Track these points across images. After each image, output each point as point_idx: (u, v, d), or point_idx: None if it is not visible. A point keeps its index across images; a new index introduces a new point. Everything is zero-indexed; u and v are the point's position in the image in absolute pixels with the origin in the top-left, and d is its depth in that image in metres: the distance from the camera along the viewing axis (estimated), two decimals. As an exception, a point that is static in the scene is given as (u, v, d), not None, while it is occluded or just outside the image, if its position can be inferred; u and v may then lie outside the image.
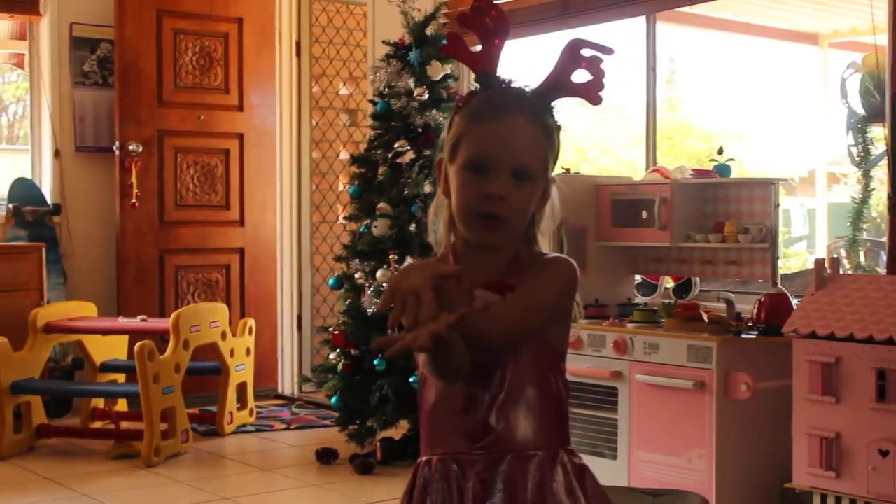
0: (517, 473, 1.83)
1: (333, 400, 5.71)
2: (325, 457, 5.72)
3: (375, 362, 5.51)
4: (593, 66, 1.98)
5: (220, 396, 6.40)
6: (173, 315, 5.92)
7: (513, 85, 1.94)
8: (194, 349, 6.00)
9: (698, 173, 5.08)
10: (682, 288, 5.42)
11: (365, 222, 5.68)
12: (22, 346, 5.94)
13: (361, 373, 5.60)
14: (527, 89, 1.93)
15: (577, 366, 4.96)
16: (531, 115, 1.87)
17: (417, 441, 5.57)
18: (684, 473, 4.57)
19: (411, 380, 5.42)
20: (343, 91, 7.72)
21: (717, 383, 4.49)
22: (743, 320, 4.68)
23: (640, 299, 5.44)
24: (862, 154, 5.11)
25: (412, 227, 5.54)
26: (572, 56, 1.96)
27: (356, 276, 5.65)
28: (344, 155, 7.57)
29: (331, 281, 5.90)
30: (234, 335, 6.47)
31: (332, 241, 7.53)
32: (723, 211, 5.06)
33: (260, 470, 5.63)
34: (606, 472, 4.82)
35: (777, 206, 4.89)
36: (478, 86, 1.96)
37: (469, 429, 1.86)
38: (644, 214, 5.11)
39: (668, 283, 5.48)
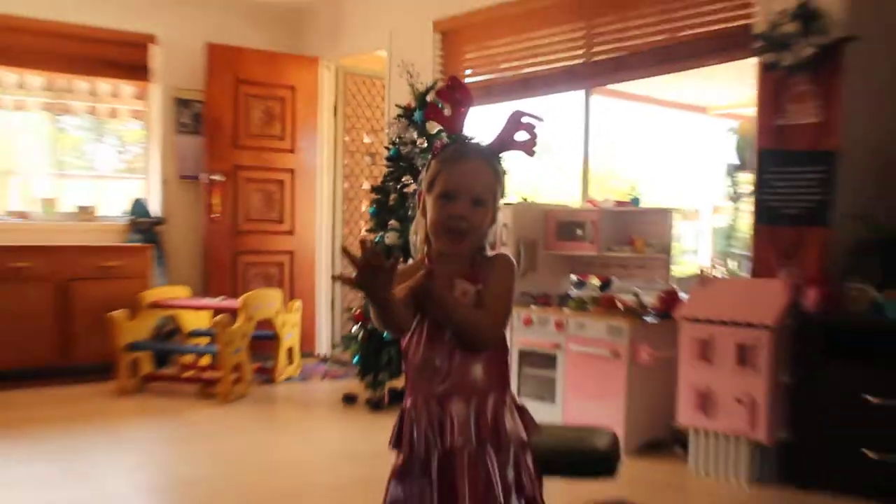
0: (479, 407, 1.86)
1: (355, 359, 5.76)
2: (349, 399, 5.77)
3: (384, 334, 5.56)
4: (529, 128, 2.01)
5: (274, 356, 6.46)
6: (241, 298, 5.97)
7: (474, 140, 1.98)
8: (257, 321, 6.05)
9: (618, 203, 5.13)
10: (605, 285, 5.46)
11: (380, 234, 5.73)
12: (135, 318, 5.99)
13: (374, 341, 5.65)
14: (483, 144, 1.97)
15: (529, 338, 5.04)
16: (486, 161, 1.92)
17: None
18: (603, 414, 4.63)
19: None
20: (366, 140, 7.76)
21: (627, 353, 4.56)
22: (647, 308, 4.73)
23: (574, 292, 5.49)
24: (734, 192, 5.16)
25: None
26: (514, 122, 2.00)
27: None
28: (365, 186, 7.61)
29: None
30: (285, 312, 6.51)
31: (355, 247, 7.54)
32: (634, 230, 5.11)
33: (301, 407, 5.67)
34: (547, 412, 4.91)
35: (671, 227, 4.95)
36: (448, 140, 2.00)
37: (441, 378, 1.86)
38: (579, 232, 5.17)
39: (595, 281, 5.52)
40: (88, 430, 4.85)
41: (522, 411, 1.94)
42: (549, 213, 5.33)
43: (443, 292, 1.80)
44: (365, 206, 7.57)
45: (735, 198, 5.13)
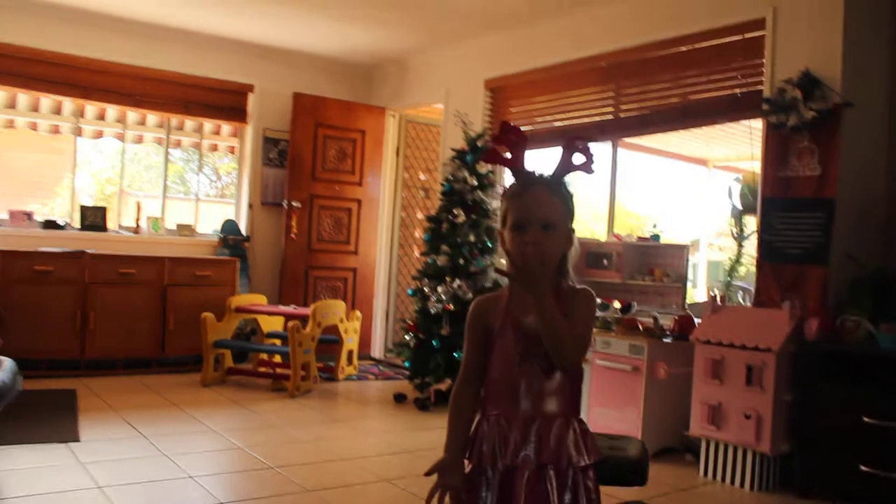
0: (544, 430, 1.70)
1: (406, 363, 5.62)
2: (399, 398, 5.62)
3: (433, 342, 5.41)
4: (585, 150, 1.84)
5: (337, 357, 6.33)
6: (312, 306, 5.85)
7: (535, 172, 1.81)
8: (324, 327, 5.93)
9: (640, 239, 4.95)
10: (626, 308, 5.27)
11: (432, 257, 5.61)
12: (221, 320, 5.89)
13: (424, 349, 5.50)
14: (545, 174, 1.81)
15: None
16: (549, 188, 1.74)
17: None
18: (622, 421, 4.45)
19: (455, 354, 5.32)
20: (422, 177, 7.66)
21: (645, 368, 4.37)
22: (664, 330, 4.53)
23: (599, 314, 5.30)
24: (738, 233, 4.97)
25: (461, 261, 5.45)
26: (570, 147, 1.83)
27: (425, 289, 5.57)
28: (419, 216, 7.49)
29: (409, 291, 5.81)
30: (347, 320, 6.39)
31: (409, 266, 7.46)
32: (654, 262, 4.93)
33: (357, 403, 5.52)
34: None
35: (687, 260, 4.76)
36: (513, 178, 1.84)
37: (522, 400, 1.71)
38: (605, 262, 5.00)
39: (617, 304, 5.34)
40: (176, 416, 4.73)
41: (586, 435, 1.75)
42: (582, 244, 5.14)
43: (547, 294, 1.63)
44: (418, 233, 7.45)
45: (738, 237, 4.91)
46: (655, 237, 4.90)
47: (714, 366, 4.02)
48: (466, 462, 1.75)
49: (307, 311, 5.92)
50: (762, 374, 3.83)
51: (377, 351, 7.47)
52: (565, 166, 1.82)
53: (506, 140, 1.88)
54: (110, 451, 3.84)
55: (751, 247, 4.83)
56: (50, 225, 6.04)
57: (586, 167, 1.86)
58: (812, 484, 3.74)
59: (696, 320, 4.50)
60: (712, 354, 4.03)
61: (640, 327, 4.61)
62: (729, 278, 4.80)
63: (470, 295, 5.39)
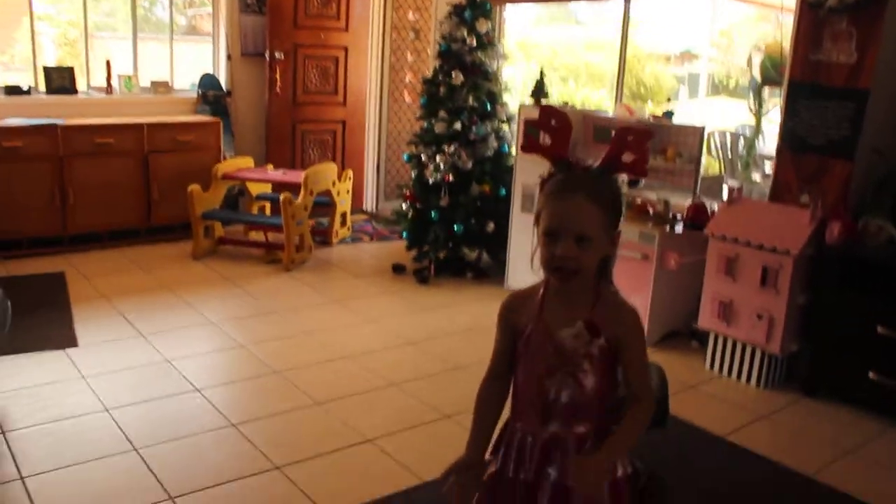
0: (570, 452, 1.64)
1: (404, 234, 5.55)
2: (398, 269, 5.59)
3: (432, 214, 5.32)
4: (637, 146, 1.68)
5: (330, 220, 6.25)
6: (303, 174, 5.67)
7: (579, 167, 1.64)
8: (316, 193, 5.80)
9: (654, 117, 4.73)
10: (633, 183, 5.14)
11: (430, 121, 5.38)
12: (207, 189, 5.71)
13: (422, 220, 5.43)
14: (588, 172, 1.63)
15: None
16: (590, 194, 1.57)
17: (457, 261, 5.41)
18: (627, 308, 4.45)
19: (454, 227, 5.25)
20: (411, 17, 7.17)
21: (656, 258, 4.32)
22: (675, 217, 4.44)
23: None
24: (757, 108, 4.76)
25: (460, 127, 5.24)
26: (620, 141, 1.67)
27: (422, 156, 5.39)
28: (409, 58, 7.10)
29: (405, 156, 5.63)
30: (339, 181, 6.23)
31: (400, 114, 7.19)
32: (667, 140, 4.75)
33: (355, 276, 5.48)
34: None
35: (702, 143, 4.58)
36: (554, 169, 1.67)
37: (542, 416, 1.65)
38: (613, 133, 4.79)
39: (624, 177, 5.19)
40: (171, 304, 4.69)
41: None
42: (587, 117, 4.94)
43: (614, 447, 1.58)
44: (409, 77, 7.10)
45: (757, 112, 4.71)
46: (669, 114, 4.69)
47: (728, 263, 3.98)
48: (490, 464, 1.72)
49: (298, 176, 5.75)
50: (778, 277, 3.80)
51: (370, 204, 7.37)
52: (612, 165, 1.66)
53: (545, 124, 1.72)
54: (110, 359, 3.82)
55: (769, 131, 4.64)
56: (13, 91, 5.65)
57: (636, 169, 1.70)
58: (818, 384, 3.84)
59: (709, 203, 4.41)
60: (727, 251, 3.98)
61: (651, 211, 4.52)
62: (747, 157, 4.64)
63: (470, 164, 5.24)
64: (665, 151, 4.65)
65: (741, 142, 5.64)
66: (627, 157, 1.68)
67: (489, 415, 1.73)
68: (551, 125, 1.72)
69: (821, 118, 3.95)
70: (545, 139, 1.73)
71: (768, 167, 4.97)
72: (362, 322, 4.57)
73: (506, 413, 1.76)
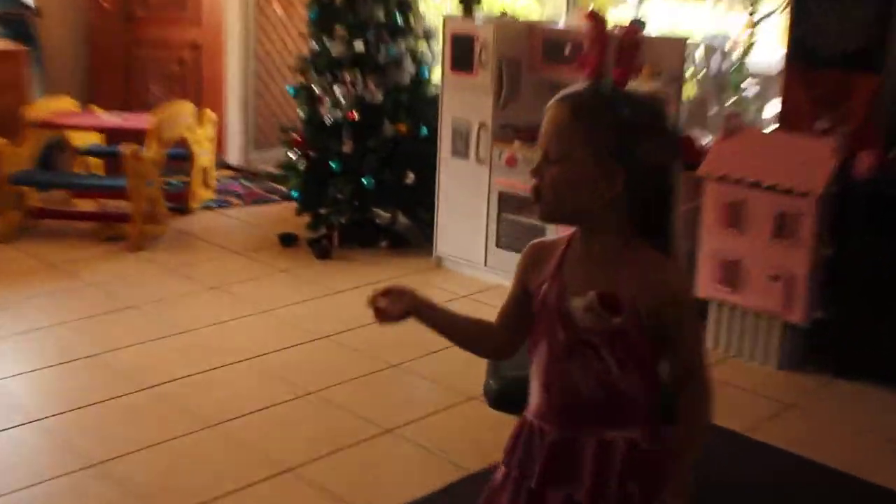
0: (590, 461, 1.65)
1: (295, 194, 5.44)
2: (287, 240, 5.48)
3: (333, 164, 5.21)
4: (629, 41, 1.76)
5: (188, 179, 6.06)
6: (154, 121, 5.43)
7: (593, 84, 1.71)
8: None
9: (620, 29, 4.70)
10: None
11: (322, 41, 5.26)
12: (17, 143, 5.39)
13: (318, 172, 5.32)
14: (587, 87, 1.67)
15: (513, 180, 4.78)
16: (574, 105, 1.59)
17: (367, 226, 5.36)
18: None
19: (364, 181, 5.17)
20: None
21: (635, 208, 4.34)
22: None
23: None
24: (752, 11, 4.84)
25: (364, 48, 5.13)
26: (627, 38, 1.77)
27: (314, 88, 5.26)
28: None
29: (290, 89, 5.50)
30: (198, 126, 6.03)
31: (270, 31, 7.00)
32: (640, 55, 4.74)
33: (233, 254, 5.33)
34: None
35: (684, 57, 4.60)
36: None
37: (558, 409, 1.68)
38: (567, 52, 4.77)
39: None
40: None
41: (658, 464, 1.67)
42: (533, 30, 4.89)
43: (685, 458, 1.66)
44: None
45: (752, 13, 4.77)
46: (639, 23, 4.68)
47: (731, 211, 4.03)
48: (497, 469, 1.77)
49: (144, 121, 5.52)
50: (797, 225, 3.87)
51: (235, 155, 7.19)
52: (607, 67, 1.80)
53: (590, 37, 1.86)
54: None
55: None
56: None
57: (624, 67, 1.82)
58: (851, 361, 3.94)
59: (702, 136, 4.45)
60: (729, 196, 4.02)
61: (625, 149, 4.53)
62: (735, 75, 4.69)
63: (380, 97, 5.15)
64: (639, 70, 4.66)
65: (716, 56, 5.73)
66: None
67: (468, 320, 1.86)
68: (597, 35, 1.73)
69: (838, 21, 4.02)
70: (590, 51, 1.71)
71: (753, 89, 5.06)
72: (252, 314, 4.45)
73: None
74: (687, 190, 4.41)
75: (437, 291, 4.91)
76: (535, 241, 1.76)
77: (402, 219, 5.63)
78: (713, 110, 5.03)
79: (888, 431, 3.53)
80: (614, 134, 1.57)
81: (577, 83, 1.66)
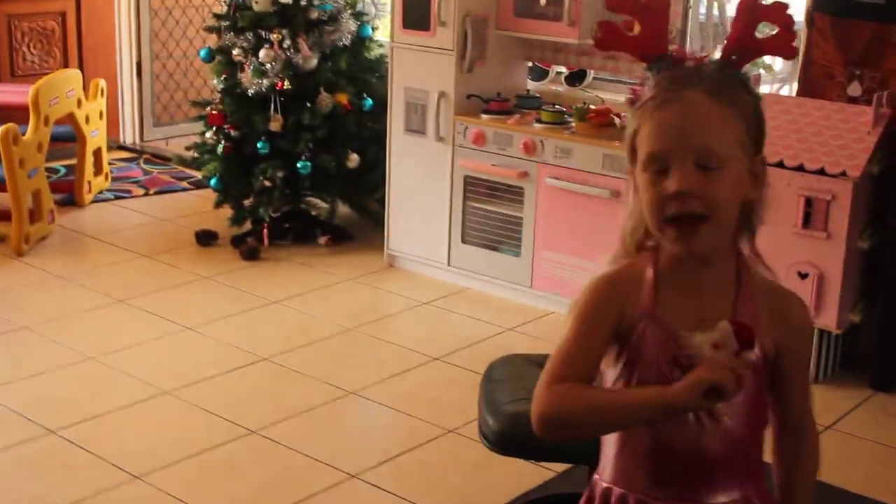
0: None
1: (213, 182, 5.33)
2: (205, 239, 5.41)
3: (259, 144, 5.12)
4: (776, 14, 1.68)
5: (78, 167, 5.94)
6: (32, 90, 5.31)
7: (688, 62, 1.59)
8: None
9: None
10: (575, 76, 5.13)
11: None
12: None
13: (241, 156, 5.25)
14: (705, 63, 1.60)
15: (481, 162, 4.75)
16: (711, 89, 1.53)
17: (302, 219, 5.29)
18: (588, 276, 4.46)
19: (298, 165, 5.09)
20: None
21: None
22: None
23: (531, 85, 5.14)
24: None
25: (293, 2, 5.05)
26: (750, 12, 1.65)
27: (234, 52, 5.16)
28: None
29: (202, 53, 5.39)
30: (87, 99, 5.90)
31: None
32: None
33: (141, 256, 5.24)
34: (507, 267, 4.74)
35: (689, 7, 4.61)
36: (649, 74, 1.61)
37: (665, 474, 1.61)
38: (544, 4, 4.72)
39: (560, 69, 5.17)
40: None
41: None
42: (504, -25, 4.84)
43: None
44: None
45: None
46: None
47: (750, 196, 4.03)
48: None
49: (19, 94, 5.40)
50: (829, 212, 3.89)
51: (130, 133, 7.10)
52: (744, 46, 1.64)
53: (628, 4, 1.70)
54: None
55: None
56: None
57: (782, 48, 1.72)
58: (894, 373, 3.98)
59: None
60: (747, 178, 4.02)
61: (616, 121, 4.52)
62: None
63: (314, 61, 5.08)
64: (630, 26, 4.64)
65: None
66: (763, 32, 1.67)
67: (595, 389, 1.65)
68: (640, 3, 1.66)
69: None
70: (634, 27, 1.64)
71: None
72: (173, 332, 4.38)
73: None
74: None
75: (391, 298, 4.89)
76: (606, 273, 1.67)
77: (345, 209, 5.55)
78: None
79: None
80: (757, 121, 1.56)
81: (686, 60, 1.60)
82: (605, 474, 1.67)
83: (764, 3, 1.67)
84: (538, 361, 3.05)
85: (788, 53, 1.73)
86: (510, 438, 2.65)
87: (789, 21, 1.68)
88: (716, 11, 5.43)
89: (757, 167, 1.57)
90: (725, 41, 1.67)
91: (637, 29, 1.68)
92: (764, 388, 1.60)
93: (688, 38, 4.68)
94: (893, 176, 3.90)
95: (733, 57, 1.62)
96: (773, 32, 1.69)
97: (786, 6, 1.68)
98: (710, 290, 1.58)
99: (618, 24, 1.71)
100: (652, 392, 1.53)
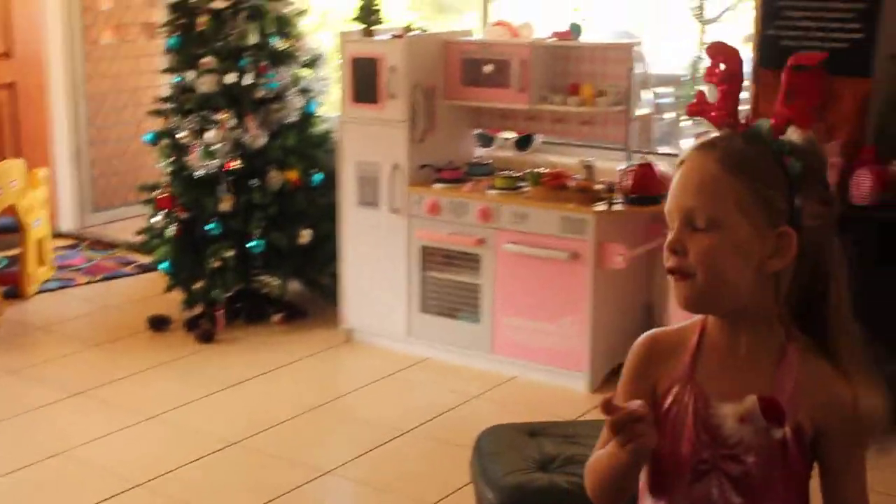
0: None
1: (164, 265, 5.28)
2: (158, 324, 5.31)
3: (210, 226, 5.08)
4: (800, 82, 1.72)
5: (22, 258, 5.80)
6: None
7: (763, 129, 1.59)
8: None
9: (556, 35, 4.75)
10: (523, 141, 5.17)
11: (184, 75, 5.17)
12: None
13: (192, 237, 5.21)
14: (746, 129, 1.60)
15: (437, 232, 4.76)
16: (723, 153, 1.53)
17: (251, 298, 5.23)
18: (554, 339, 4.50)
19: (250, 245, 5.05)
20: None
21: (592, 254, 4.37)
22: (613, 190, 4.49)
23: (481, 154, 5.17)
24: (700, 8, 4.96)
25: (240, 80, 5.04)
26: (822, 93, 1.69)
27: (180, 134, 5.13)
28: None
29: (148, 137, 5.37)
30: (29, 187, 5.80)
31: (101, 63, 6.86)
32: (576, 72, 4.80)
33: (92, 346, 5.14)
34: (468, 334, 4.73)
35: (632, 69, 4.67)
36: None
37: None
38: (486, 70, 4.76)
39: (509, 135, 5.21)
40: None
41: None
42: (450, 46, 4.88)
43: None
44: (106, 3, 6.80)
45: (700, 16, 4.89)
46: (576, 29, 4.73)
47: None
48: None
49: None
50: (790, 263, 3.94)
51: (69, 219, 7.02)
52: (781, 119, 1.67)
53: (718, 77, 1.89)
54: None
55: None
56: None
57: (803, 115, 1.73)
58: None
59: (659, 165, 4.51)
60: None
61: (571, 184, 4.56)
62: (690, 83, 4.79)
63: (263, 139, 5.07)
64: (576, 90, 4.70)
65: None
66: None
67: None
68: (719, 70, 1.68)
69: (818, 19, 4.11)
70: (716, 95, 1.66)
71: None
72: (135, 422, 4.28)
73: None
74: (647, 228, 4.48)
75: (352, 372, 4.87)
76: (650, 333, 1.68)
77: (295, 286, 5.51)
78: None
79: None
80: (782, 190, 1.52)
81: (713, 132, 1.62)
82: None
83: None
84: (527, 430, 3.06)
85: (806, 123, 1.76)
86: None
87: (814, 92, 1.70)
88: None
89: (778, 238, 1.52)
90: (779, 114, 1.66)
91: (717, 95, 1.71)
92: (803, 472, 1.57)
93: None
94: (853, 224, 3.95)
95: (757, 124, 1.60)
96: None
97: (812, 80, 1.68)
98: (750, 360, 1.57)
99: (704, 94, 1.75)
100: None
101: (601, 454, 1.59)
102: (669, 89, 5.80)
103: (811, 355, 1.57)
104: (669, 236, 1.55)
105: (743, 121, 1.64)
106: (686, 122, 5.34)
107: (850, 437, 1.55)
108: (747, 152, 1.54)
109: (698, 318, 1.62)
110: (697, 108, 1.72)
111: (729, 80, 1.70)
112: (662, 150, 5.12)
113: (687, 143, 4.72)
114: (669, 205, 1.56)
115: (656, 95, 4.88)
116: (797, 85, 3.91)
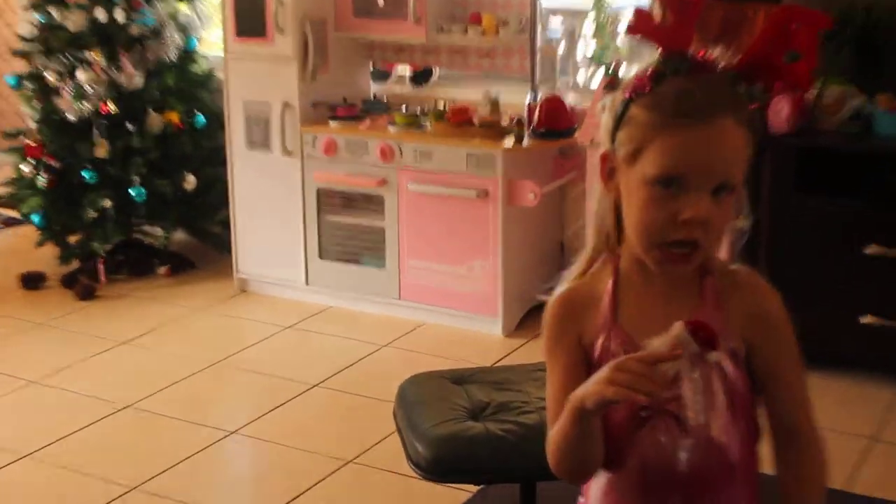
0: None
1: (36, 219, 5.05)
2: (31, 282, 5.13)
3: (85, 174, 4.87)
4: (804, 41, 1.57)
5: None
6: None
7: (706, 66, 1.50)
8: None
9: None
10: (420, 76, 5.03)
11: (49, 12, 4.98)
12: None
13: (66, 187, 5.03)
14: (724, 77, 1.50)
15: (335, 173, 4.63)
16: (738, 114, 1.46)
17: (134, 250, 5.09)
18: (463, 282, 4.43)
19: (131, 191, 4.86)
20: None
21: (500, 192, 4.29)
22: (521, 125, 4.39)
23: (374, 88, 5.02)
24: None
25: (106, 17, 4.85)
26: (783, 35, 1.56)
27: (47, 76, 4.91)
28: None
29: (10, 80, 5.11)
30: None
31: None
32: (475, 1, 4.69)
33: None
34: (371, 281, 4.63)
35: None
36: (662, 64, 1.50)
37: (645, 491, 1.57)
38: (381, 2, 4.62)
39: (404, 70, 5.08)
40: None
41: None
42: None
43: None
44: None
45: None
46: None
47: (624, 183, 4.04)
48: None
49: None
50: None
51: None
52: (766, 66, 1.54)
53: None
54: None
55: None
56: None
57: (799, 78, 1.63)
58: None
59: (569, 99, 4.43)
60: (621, 165, 4.03)
61: (475, 121, 4.46)
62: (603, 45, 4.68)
63: (140, 80, 4.88)
64: (477, 19, 4.59)
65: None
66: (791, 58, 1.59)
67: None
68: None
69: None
70: (667, 15, 1.56)
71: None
72: (19, 388, 4.10)
73: None
74: (557, 164, 4.42)
75: (250, 325, 4.71)
76: (559, 292, 1.61)
77: (181, 236, 5.33)
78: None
79: (857, 425, 3.60)
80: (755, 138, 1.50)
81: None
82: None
83: (794, 26, 1.57)
84: (452, 377, 2.93)
85: (805, 84, 1.71)
86: (446, 463, 2.53)
87: (813, 52, 1.58)
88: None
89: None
90: (743, 53, 1.55)
91: (667, 20, 1.58)
92: (746, 394, 1.53)
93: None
94: (772, 153, 3.93)
95: (751, 71, 1.53)
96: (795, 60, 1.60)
97: (816, 40, 1.58)
98: (669, 292, 1.52)
99: (649, 12, 1.62)
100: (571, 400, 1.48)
101: (560, 425, 1.52)
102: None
103: (728, 272, 1.55)
104: (688, 208, 1.42)
105: (694, 52, 1.51)
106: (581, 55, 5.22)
107: (781, 345, 1.53)
108: (743, 101, 1.49)
109: (606, 263, 1.58)
110: (642, 27, 1.58)
111: (686, 7, 1.57)
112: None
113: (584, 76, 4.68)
114: (688, 170, 1.43)
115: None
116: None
